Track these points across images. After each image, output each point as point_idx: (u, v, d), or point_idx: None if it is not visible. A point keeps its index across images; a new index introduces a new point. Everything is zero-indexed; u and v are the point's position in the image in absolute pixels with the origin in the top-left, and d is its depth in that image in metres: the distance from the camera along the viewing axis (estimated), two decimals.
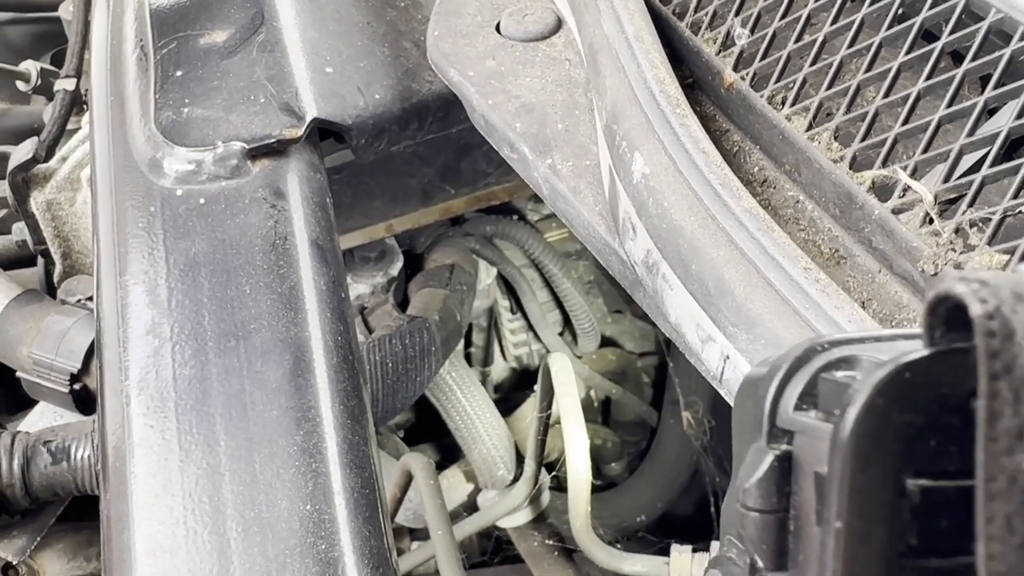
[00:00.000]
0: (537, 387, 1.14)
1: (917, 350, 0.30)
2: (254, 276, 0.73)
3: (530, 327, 1.52)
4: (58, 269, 1.20)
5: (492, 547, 1.38)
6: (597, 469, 1.43)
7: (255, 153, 0.79)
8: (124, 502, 0.65)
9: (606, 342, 1.58)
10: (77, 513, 1.07)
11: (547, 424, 1.13)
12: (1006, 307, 0.27)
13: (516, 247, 1.45)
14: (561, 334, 1.55)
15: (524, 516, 1.28)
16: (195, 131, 0.80)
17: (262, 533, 0.62)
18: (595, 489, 1.25)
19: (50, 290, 1.22)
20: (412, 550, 1.19)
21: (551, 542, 1.18)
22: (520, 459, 1.31)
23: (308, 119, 0.81)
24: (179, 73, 0.85)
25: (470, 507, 1.36)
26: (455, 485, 1.38)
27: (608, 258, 0.73)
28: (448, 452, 1.44)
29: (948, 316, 0.28)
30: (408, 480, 1.09)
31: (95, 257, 0.79)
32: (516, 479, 1.28)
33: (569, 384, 1.04)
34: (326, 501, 0.64)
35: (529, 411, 1.36)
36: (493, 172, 1.24)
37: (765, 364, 0.35)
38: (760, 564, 0.33)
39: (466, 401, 1.28)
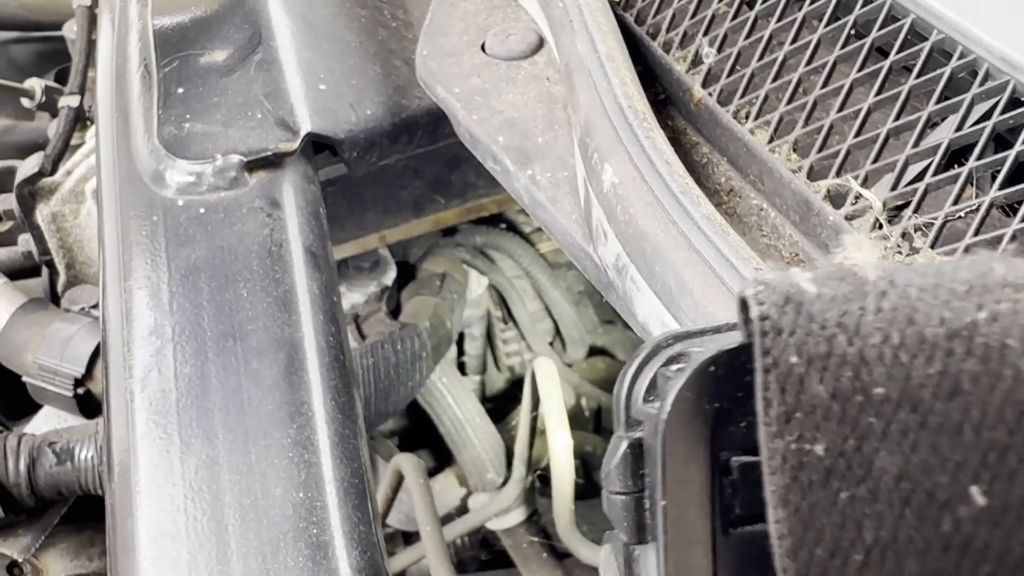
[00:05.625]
0: (525, 391, 1.18)
1: (725, 346, 0.34)
2: (251, 280, 0.78)
3: (522, 337, 1.57)
4: (62, 279, 1.25)
5: (486, 554, 1.42)
6: (589, 476, 1.47)
7: (252, 165, 0.84)
8: (128, 491, 0.70)
9: (598, 351, 1.62)
10: (80, 514, 1.11)
11: (534, 426, 1.18)
12: (774, 309, 0.30)
13: (507, 258, 1.50)
14: (552, 343, 1.59)
15: (514, 518, 1.32)
16: (196, 145, 0.85)
17: (257, 519, 0.67)
18: (587, 495, 1.29)
19: (54, 299, 1.26)
20: (404, 550, 1.23)
21: (536, 539, 1.22)
22: (511, 463, 1.34)
23: (302, 133, 0.86)
24: (180, 90, 0.89)
25: (463, 511, 1.40)
26: (448, 489, 1.42)
27: (584, 263, 0.77)
28: (443, 457, 1.48)
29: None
30: (399, 480, 1.13)
31: (101, 264, 0.84)
32: (506, 482, 1.32)
33: (553, 387, 1.08)
34: (318, 489, 0.68)
35: (519, 416, 1.40)
36: (482, 184, 1.29)
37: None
38: (624, 539, 0.37)
39: (456, 406, 1.32)
